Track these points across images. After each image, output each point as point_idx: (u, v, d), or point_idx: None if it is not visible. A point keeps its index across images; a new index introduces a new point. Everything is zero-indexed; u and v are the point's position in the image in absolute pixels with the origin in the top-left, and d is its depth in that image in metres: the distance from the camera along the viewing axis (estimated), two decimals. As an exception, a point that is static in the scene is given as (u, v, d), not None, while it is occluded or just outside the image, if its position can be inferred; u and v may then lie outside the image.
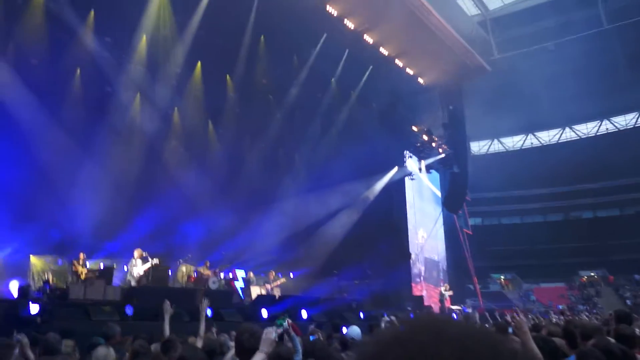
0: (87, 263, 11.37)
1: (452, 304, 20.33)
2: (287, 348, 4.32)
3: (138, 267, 11.18)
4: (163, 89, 15.03)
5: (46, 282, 9.82)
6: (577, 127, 37.92)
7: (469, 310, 17.70)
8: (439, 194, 25.06)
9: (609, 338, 4.45)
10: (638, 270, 30.76)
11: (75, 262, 11.11)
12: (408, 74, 21.12)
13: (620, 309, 6.57)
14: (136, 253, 11.34)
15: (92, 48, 13.35)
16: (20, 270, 11.84)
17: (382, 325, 8.45)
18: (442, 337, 0.58)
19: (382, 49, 19.19)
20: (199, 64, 16.17)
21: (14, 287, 10.76)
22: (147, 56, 14.62)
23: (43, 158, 12.00)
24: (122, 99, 14.25)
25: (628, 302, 26.42)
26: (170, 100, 15.49)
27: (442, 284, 19.55)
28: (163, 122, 15.53)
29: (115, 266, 11.91)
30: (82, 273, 10.88)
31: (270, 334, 2.86)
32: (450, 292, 18.53)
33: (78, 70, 13.54)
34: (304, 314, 11.59)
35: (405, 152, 22.77)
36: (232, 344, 4.42)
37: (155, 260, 11.31)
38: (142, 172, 13.96)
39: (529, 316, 13.98)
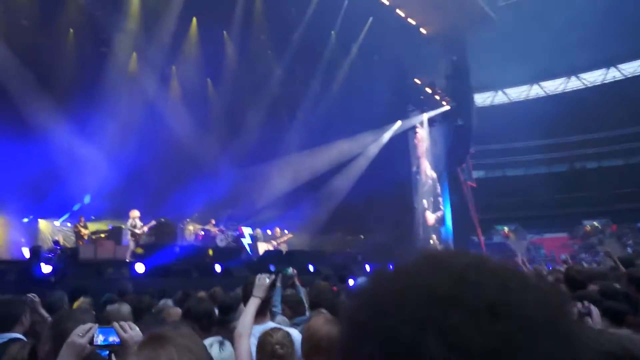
0: (88, 225, 11.59)
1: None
2: (299, 297, 4.43)
3: (137, 227, 11.29)
4: (159, 48, 14.71)
5: (56, 242, 10.01)
6: (583, 75, 37.14)
7: None
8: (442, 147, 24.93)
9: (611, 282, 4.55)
10: (640, 219, 31.01)
11: (77, 224, 11.33)
12: (410, 24, 20.50)
13: (622, 255, 6.67)
14: (131, 214, 11.45)
15: (84, 8, 12.96)
16: (30, 233, 12.06)
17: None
18: (441, 268, 0.52)
19: (382, -1, 18.57)
20: (194, 20, 15.73)
21: (25, 248, 11.00)
22: (140, 13, 14.21)
23: (40, 123, 11.92)
24: (118, 59, 13.96)
25: (629, 249, 26.76)
26: (167, 58, 15.20)
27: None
28: (161, 81, 15.30)
29: (123, 227, 12.09)
30: (84, 234, 11.11)
31: (264, 279, 2.89)
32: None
33: (71, 31, 13.22)
34: (311, 267, 11.83)
35: (408, 105, 22.48)
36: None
37: (154, 221, 11.48)
38: (142, 133, 13.89)
39: (532, 266, 14.20)
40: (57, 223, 12.87)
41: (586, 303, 2.68)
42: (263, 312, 2.90)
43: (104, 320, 4.10)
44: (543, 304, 0.50)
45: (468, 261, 0.53)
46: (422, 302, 0.49)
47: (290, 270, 3.99)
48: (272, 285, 2.97)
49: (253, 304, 2.80)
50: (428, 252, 0.58)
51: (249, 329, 2.66)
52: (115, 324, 2.06)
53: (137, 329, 2.27)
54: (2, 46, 11.70)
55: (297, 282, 5.68)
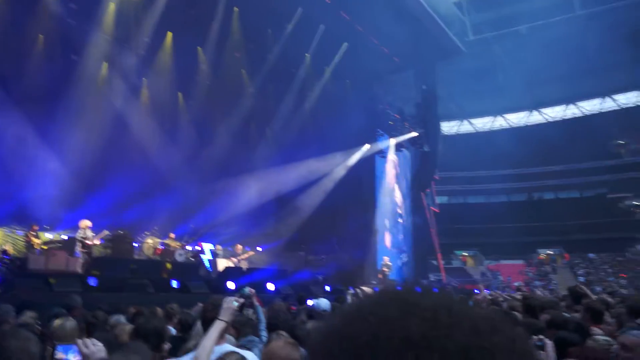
0: (41, 234, 11.25)
1: (417, 278, 21.07)
2: (247, 318, 4.48)
3: (88, 237, 11.03)
4: (131, 59, 14.66)
5: (4, 252, 9.68)
6: (544, 110, 38.93)
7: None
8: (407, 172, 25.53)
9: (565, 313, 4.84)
10: (593, 250, 32.39)
11: (28, 233, 10.99)
12: (383, 51, 21.13)
13: (573, 285, 7.06)
14: (81, 224, 11.12)
15: (56, 14, 12.84)
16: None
17: (348, 298, 8.72)
18: (411, 309, 0.52)
19: (357, 26, 19.08)
20: (169, 34, 15.78)
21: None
22: (115, 24, 14.16)
23: (4, 127, 11.63)
24: (88, 69, 13.81)
25: (581, 278, 27.85)
26: (139, 70, 15.14)
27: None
28: (131, 92, 15.19)
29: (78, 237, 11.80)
30: (35, 244, 10.78)
31: (231, 302, 2.84)
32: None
33: (41, 37, 13.03)
34: (271, 286, 11.82)
35: (377, 130, 22.98)
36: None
37: (106, 231, 11.26)
38: (109, 143, 13.72)
39: (489, 291, 14.68)
40: (6, 231, 12.41)
41: (540, 336, 2.83)
42: (222, 335, 2.80)
43: (50, 336, 4.08)
44: (511, 346, 0.52)
45: (437, 302, 0.54)
46: (396, 346, 0.49)
47: (248, 290, 4.03)
48: (240, 308, 2.94)
49: (218, 327, 2.72)
50: (395, 291, 0.58)
51: (209, 354, 2.58)
52: (79, 341, 2.08)
53: (101, 345, 2.29)
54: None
55: (256, 302, 5.73)
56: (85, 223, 11.08)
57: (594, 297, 6.02)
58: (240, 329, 3.99)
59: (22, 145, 11.96)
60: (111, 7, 13.96)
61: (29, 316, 4.90)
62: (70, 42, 13.35)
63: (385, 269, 17.87)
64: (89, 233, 11.04)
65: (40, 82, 12.45)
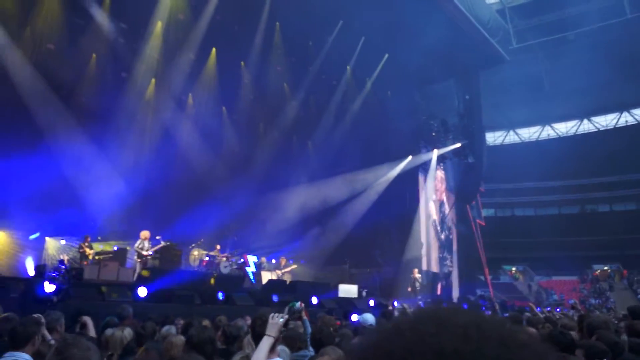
0: (93, 245, 11.60)
1: (462, 295, 20.35)
2: (298, 333, 4.40)
3: (145, 248, 11.25)
4: (178, 75, 15.08)
5: (62, 261, 10.03)
6: (595, 118, 37.20)
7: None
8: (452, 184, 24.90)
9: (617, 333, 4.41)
10: (653, 266, 30.36)
11: (82, 244, 11.36)
12: (424, 61, 20.82)
13: (634, 305, 6.51)
14: (142, 234, 11.37)
15: (108, 34, 13.44)
16: (36, 250, 12.12)
17: (396, 313, 8.48)
18: (445, 326, 0.55)
19: (398, 36, 18.89)
20: (213, 50, 16.18)
21: (30, 265, 11.02)
22: (162, 42, 14.66)
23: (58, 142, 12.18)
24: (137, 85, 14.33)
25: (642, 297, 26.11)
26: (184, 86, 15.56)
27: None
28: (177, 107, 15.62)
29: (128, 249, 12.11)
30: (89, 254, 11.11)
31: (278, 318, 2.91)
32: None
33: (94, 56, 13.66)
34: (314, 300, 11.68)
35: (420, 141, 22.59)
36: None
37: (162, 242, 11.43)
38: (156, 157, 14.10)
39: (540, 309, 13.89)
40: (63, 242, 12.93)
41: None
42: (272, 349, 2.90)
43: (104, 345, 4.10)
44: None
45: (469, 319, 0.57)
46: (429, 358, 0.53)
47: (298, 304, 4.01)
48: (285, 324, 2.99)
49: (266, 343, 2.80)
50: (430, 308, 0.61)
51: None
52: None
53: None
54: (28, 67, 12.10)
55: (305, 316, 5.64)
56: (145, 234, 11.33)
57: None
58: (292, 344, 3.91)
59: (76, 158, 12.47)
60: (158, 26, 14.47)
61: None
62: (120, 60, 13.91)
63: (416, 283, 17.21)
64: (147, 244, 11.30)
65: (93, 99, 13.01)
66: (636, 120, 35.90)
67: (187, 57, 15.24)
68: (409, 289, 17.04)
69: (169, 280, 9.73)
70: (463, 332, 0.54)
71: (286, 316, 3.00)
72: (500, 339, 0.54)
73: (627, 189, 34.46)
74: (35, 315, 4.04)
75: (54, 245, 12.91)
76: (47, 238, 12.90)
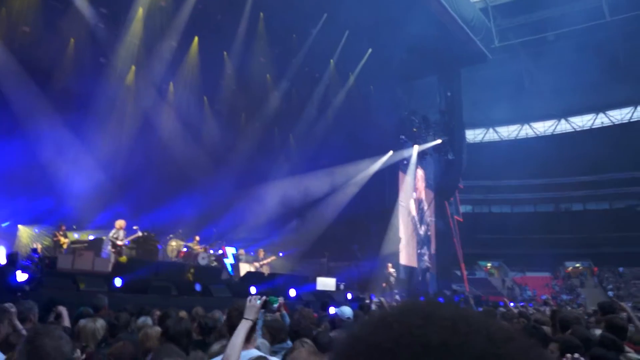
0: (68, 234, 11.36)
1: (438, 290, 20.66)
2: (282, 323, 4.42)
3: (119, 238, 11.06)
4: (159, 63, 14.83)
5: (34, 250, 9.82)
6: (573, 119, 38.02)
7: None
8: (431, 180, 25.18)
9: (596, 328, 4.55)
10: (623, 263, 31.32)
11: (56, 232, 11.12)
12: (407, 57, 20.91)
13: (603, 301, 6.72)
14: (117, 224, 11.14)
15: (87, 18, 13.11)
16: (8, 238, 11.83)
17: (372, 306, 8.56)
18: (431, 319, 0.56)
19: (382, 31, 18.93)
20: (196, 39, 15.94)
21: (1, 253, 10.76)
22: (143, 29, 14.37)
23: (33, 128, 11.88)
24: (117, 71, 14.04)
25: (610, 293, 26.93)
26: (165, 74, 15.31)
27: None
28: (158, 95, 15.37)
29: (104, 238, 11.91)
30: (64, 243, 10.89)
31: (255, 300, 2.88)
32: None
33: (72, 41, 13.31)
34: (292, 292, 11.70)
35: (400, 137, 22.73)
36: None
37: (140, 233, 11.28)
38: (135, 145, 13.88)
39: (514, 305, 14.24)
40: (37, 230, 12.64)
41: (576, 355, 2.74)
42: (249, 338, 2.84)
43: (77, 336, 4.03)
44: (526, 355, 0.55)
45: (456, 312, 0.58)
46: (417, 351, 0.53)
47: (278, 301, 4.05)
48: (264, 306, 2.96)
49: (244, 326, 2.75)
50: (416, 301, 0.61)
51: (239, 353, 2.60)
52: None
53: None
54: (2, 50, 11.74)
55: (284, 310, 5.66)
56: (120, 224, 11.08)
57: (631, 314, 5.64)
58: (276, 335, 3.91)
59: (51, 144, 12.17)
60: (140, 12, 14.17)
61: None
62: (99, 45, 13.60)
63: (391, 277, 17.37)
64: (122, 234, 11.09)
65: (71, 84, 12.70)
66: (612, 122, 36.83)
67: (169, 45, 15.00)
68: (384, 284, 17.14)
69: (146, 270, 9.63)
70: (451, 325, 0.55)
71: (264, 297, 2.98)
72: (487, 333, 0.55)
73: (601, 189, 35.41)
74: (7, 304, 3.95)
75: (27, 234, 12.61)
76: (20, 226, 12.60)
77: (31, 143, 11.67)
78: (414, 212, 22.86)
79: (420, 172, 23.65)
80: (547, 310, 10.35)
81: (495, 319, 0.60)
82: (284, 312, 5.61)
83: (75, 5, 12.91)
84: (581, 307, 19.91)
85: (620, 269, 31.51)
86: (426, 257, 22.64)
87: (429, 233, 23.55)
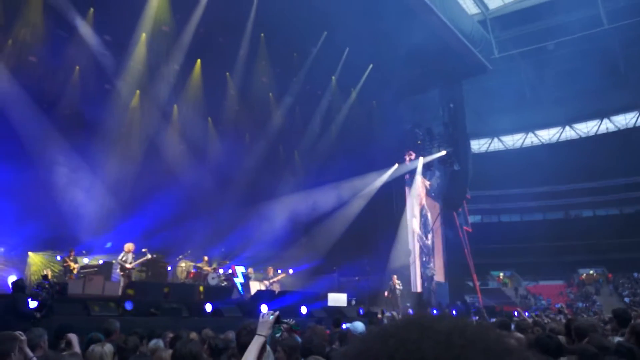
0: (78, 259, 11.39)
1: (451, 302, 20.39)
2: (298, 343, 4.38)
3: (128, 261, 11.06)
4: (162, 87, 15.03)
5: (45, 277, 9.84)
6: (577, 125, 37.93)
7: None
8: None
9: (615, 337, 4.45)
10: (636, 269, 30.84)
11: (66, 258, 11.16)
12: (408, 71, 21.05)
13: (617, 308, 6.60)
14: (126, 247, 11.17)
15: (91, 46, 13.36)
16: (19, 265, 11.87)
17: (384, 321, 8.46)
18: (427, 333, 0.56)
19: (381, 47, 19.08)
20: (198, 61, 16.17)
21: (12, 281, 10.78)
22: (146, 54, 14.60)
23: (42, 155, 12.02)
24: (121, 97, 14.23)
25: (626, 299, 26.46)
26: (169, 97, 15.50)
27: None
28: (163, 119, 15.54)
29: (114, 262, 11.92)
30: (74, 269, 10.91)
31: (268, 316, 2.88)
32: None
33: (77, 68, 13.55)
34: (304, 309, 11.61)
35: (405, 150, 22.74)
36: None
37: (148, 255, 11.28)
38: (142, 169, 13.99)
39: (529, 314, 14.00)
40: (47, 256, 12.68)
41: None
42: (260, 355, 2.81)
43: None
44: None
45: (452, 325, 0.57)
46: None
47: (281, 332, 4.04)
48: (277, 321, 2.94)
49: (257, 342, 2.74)
50: (416, 315, 0.62)
51: None
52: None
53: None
54: (9, 78, 11.95)
55: (296, 335, 5.59)
56: (129, 247, 11.11)
57: None
58: (291, 354, 3.88)
59: (60, 171, 12.30)
60: (142, 37, 14.42)
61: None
62: (104, 72, 13.82)
63: (397, 289, 17.08)
64: (130, 257, 11.10)
65: (78, 111, 12.88)
66: (616, 127, 36.68)
67: (172, 68, 15.21)
68: (387, 294, 16.71)
69: (156, 294, 9.60)
70: (445, 339, 0.54)
71: (277, 312, 2.95)
72: (484, 346, 0.54)
73: (609, 195, 35.08)
74: (17, 332, 3.94)
75: (37, 260, 12.65)
76: (30, 253, 12.65)
77: (40, 170, 11.79)
78: (418, 224, 22.75)
79: (424, 182, 23.55)
80: (562, 318, 10.18)
81: (495, 330, 0.59)
82: (296, 335, 5.52)
83: (79, 34, 13.17)
84: (597, 315, 19.56)
85: (635, 274, 31.02)
86: (431, 265, 22.42)
87: (433, 241, 23.38)
